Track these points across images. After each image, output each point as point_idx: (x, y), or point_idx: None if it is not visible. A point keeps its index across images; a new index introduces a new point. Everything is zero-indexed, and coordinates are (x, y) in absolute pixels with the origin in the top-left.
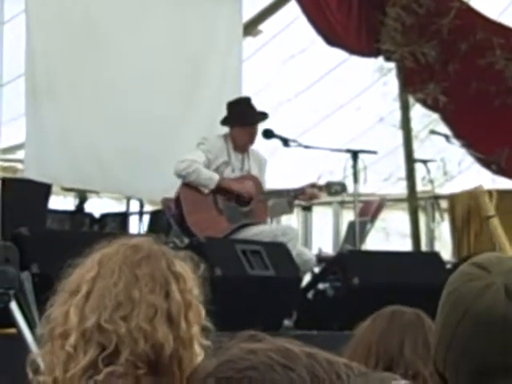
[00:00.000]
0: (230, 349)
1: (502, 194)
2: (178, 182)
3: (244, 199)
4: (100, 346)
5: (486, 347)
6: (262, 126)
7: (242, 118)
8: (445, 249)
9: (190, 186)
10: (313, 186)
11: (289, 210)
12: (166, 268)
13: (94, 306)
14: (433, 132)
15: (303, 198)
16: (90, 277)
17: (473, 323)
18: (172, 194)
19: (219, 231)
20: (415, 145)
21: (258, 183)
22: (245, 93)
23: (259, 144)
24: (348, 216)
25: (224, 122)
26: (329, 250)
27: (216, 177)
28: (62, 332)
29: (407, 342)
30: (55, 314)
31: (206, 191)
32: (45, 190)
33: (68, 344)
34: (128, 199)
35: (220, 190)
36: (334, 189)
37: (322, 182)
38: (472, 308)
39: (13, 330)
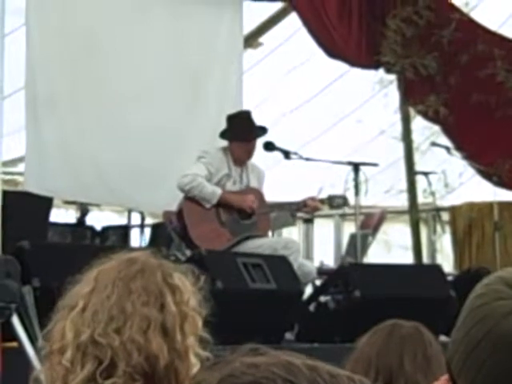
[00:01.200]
0: (232, 362)
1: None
2: (180, 195)
3: (246, 213)
4: (97, 360)
5: (503, 367)
6: (262, 139)
7: (241, 133)
8: (446, 261)
9: (192, 199)
10: (313, 199)
11: (291, 221)
12: (161, 280)
13: (89, 320)
14: (434, 144)
15: (306, 210)
16: (86, 292)
17: (496, 341)
18: (173, 207)
19: (222, 244)
20: (416, 157)
21: (260, 196)
22: (246, 105)
23: (260, 156)
24: (349, 228)
25: (223, 135)
26: (330, 262)
27: (218, 191)
28: (59, 347)
29: (406, 355)
30: (54, 330)
31: (208, 206)
32: (46, 203)
33: (65, 359)
34: (129, 212)
35: (222, 204)
36: (336, 202)
37: (323, 194)
38: (499, 326)
39: (14, 344)
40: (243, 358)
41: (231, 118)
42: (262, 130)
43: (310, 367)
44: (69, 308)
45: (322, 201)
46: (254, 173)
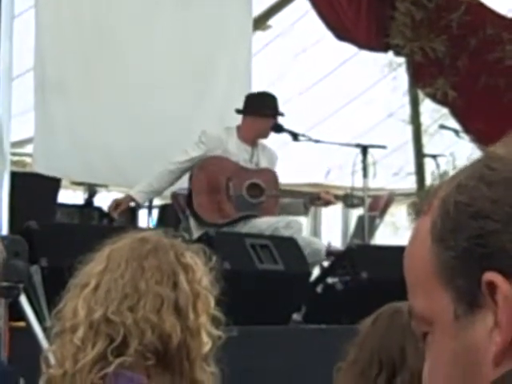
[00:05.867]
0: None
1: None
2: (187, 177)
3: (255, 191)
4: (108, 338)
5: None
6: None
7: (262, 108)
8: None
9: (207, 167)
10: (327, 192)
11: (304, 212)
12: (174, 259)
13: (102, 298)
14: (442, 127)
15: (319, 203)
16: (98, 270)
17: None
18: (182, 189)
19: (224, 216)
20: (425, 139)
21: (274, 178)
22: (254, 87)
23: (268, 138)
24: (357, 211)
25: (241, 111)
26: (338, 244)
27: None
28: (70, 326)
29: (408, 345)
30: (66, 309)
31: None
32: (54, 184)
33: (76, 337)
34: None
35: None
36: (351, 201)
37: (331, 176)
38: None
39: (22, 324)
40: None
41: (253, 96)
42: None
43: None
44: (81, 286)
45: (337, 196)
46: (264, 154)
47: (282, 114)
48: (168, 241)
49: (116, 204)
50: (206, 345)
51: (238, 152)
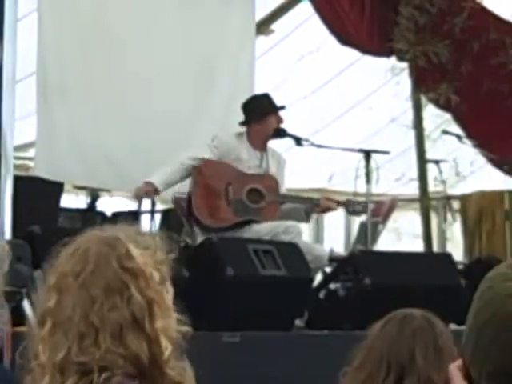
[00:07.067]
0: None
1: None
2: (187, 181)
3: (255, 197)
4: (79, 372)
5: (507, 350)
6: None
7: (263, 109)
8: (456, 250)
9: (205, 171)
10: (328, 198)
11: (305, 219)
12: (118, 269)
13: (61, 342)
14: (445, 132)
15: (317, 210)
16: (51, 306)
17: (501, 322)
18: (183, 193)
19: (222, 221)
20: (427, 145)
21: (275, 184)
22: (257, 92)
23: (271, 142)
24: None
25: (244, 122)
26: (340, 250)
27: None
28: (36, 365)
29: (418, 349)
30: (33, 345)
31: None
32: (57, 188)
33: (44, 381)
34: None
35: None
36: (353, 208)
37: (334, 182)
38: (504, 307)
39: (24, 329)
40: None
41: (250, 102)
42: (280, 107)
43: None
44: (39, 324)
45: (338, 202)
46: (274, 159)
47: (283, 108)
48: (107, 247)
49: (140, 193)
50: (166, 349)
51: (248, 158)
